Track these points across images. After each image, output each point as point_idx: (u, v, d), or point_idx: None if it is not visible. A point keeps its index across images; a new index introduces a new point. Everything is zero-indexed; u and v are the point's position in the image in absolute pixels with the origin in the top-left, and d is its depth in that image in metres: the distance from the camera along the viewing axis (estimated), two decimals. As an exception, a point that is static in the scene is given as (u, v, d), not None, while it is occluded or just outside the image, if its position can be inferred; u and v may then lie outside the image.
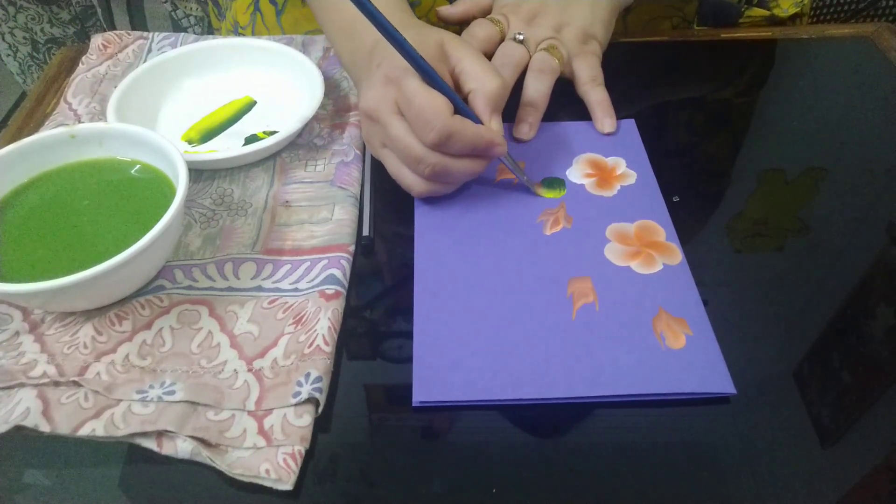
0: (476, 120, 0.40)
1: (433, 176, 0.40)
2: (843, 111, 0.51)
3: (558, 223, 0.42)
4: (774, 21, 0.65)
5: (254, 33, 0.69)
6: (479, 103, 0.40)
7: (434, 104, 0.38)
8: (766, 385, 0.35)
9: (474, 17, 0.53)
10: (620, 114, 0.49)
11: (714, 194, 0.46)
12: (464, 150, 0.39)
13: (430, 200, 0.44)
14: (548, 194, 0.44)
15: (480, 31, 0.50)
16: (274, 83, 0.52)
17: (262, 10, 0.66)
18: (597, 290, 0.38)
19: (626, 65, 0.56)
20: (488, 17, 0.52)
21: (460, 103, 0.40)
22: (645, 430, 0.33)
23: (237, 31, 0.71)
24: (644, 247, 0.40)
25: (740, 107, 0.53)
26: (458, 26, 0.55)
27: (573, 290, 0.38)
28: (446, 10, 0.56)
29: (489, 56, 0.50)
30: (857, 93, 0.53)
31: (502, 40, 0.50)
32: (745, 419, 0.33)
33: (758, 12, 0.65)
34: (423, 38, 0.41)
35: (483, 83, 0.40)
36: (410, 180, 0.42)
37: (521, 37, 0.49)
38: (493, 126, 0.40)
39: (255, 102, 0.51)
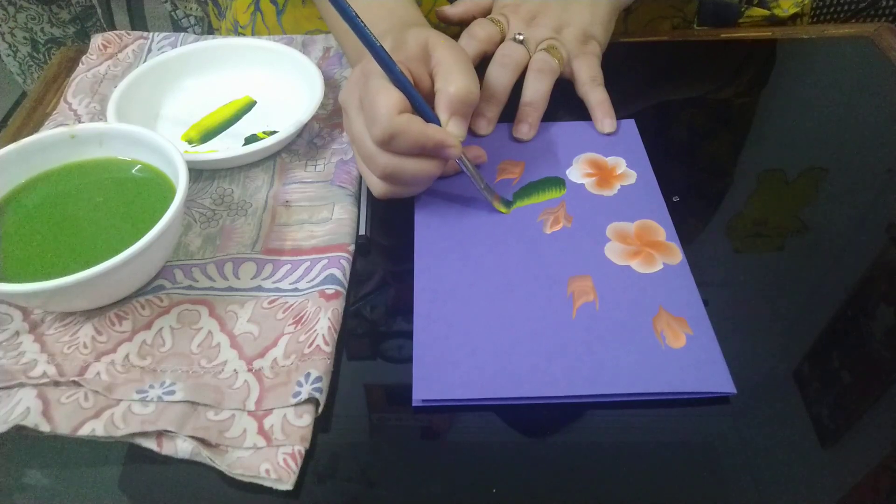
0: (437, 122, 0.39)
1: (385, 176, 0.40)
2: (843, 111, 0.51)
3: (558, 222, 0.42)
4: (774, 21, 0.65)
5: (254, 33, 0.69)
6: (441, 103, 0.39)
7: (386, 102, 0.37)
8: (766, 385, 0.35)
9: (474, 18, 0.53)
10: (620, 114, 0.49)
11: (714, 194, 0.46)
12: (411, 149, 0.38)
13: (430, 199, 0.44)
14: (502, 209, 0.43)
15: (481, 30, 0.50)
16: (274, 83, 0.52)
17: (263, 10, 0.66)
18: (597, 288, 0.38)
19: (626, 65, 0.56)
20: (488, 16, 0.52)
21: (421, 104, 0.39)
22: (645, 430, 0.33)
23: (237, 30, 0.71)
24: (644, 246, 0.40)
25: (740, 107, 0.53)
26: (459, 26, 0.55)
27: (573, 289, 0.38)
28: (446, 10, 0.56)
29: (489, 56, 0.50)
30: (857, 93, 0.53)
31: (503, 40, 0.50)
32: (745, 419, 0.33)
33: (758, 12, 0.65)
34: (410, 36, 0.41)
35: (449, 83, 0.39)
36: (369, 178, 0.41)
37: (521, 37, 0.49)
38: (451, 128, 0.39)
39: (255, 102, 0.51)
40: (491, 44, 0.50)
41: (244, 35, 0.70)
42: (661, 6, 0.65)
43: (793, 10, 0.64)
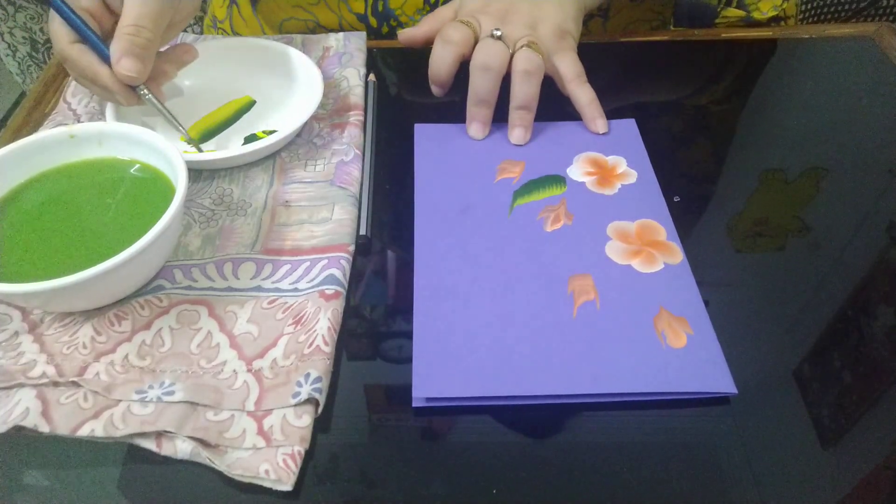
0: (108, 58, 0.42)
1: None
2: (843, 111, 0.51)
3: (559, 220, 0.42)
4: (751, 23, 0.63)
5: (231, 26, 0.68)
6: (114, 42, 0.41)
7: (56, 32, 0.42)
8: (767, 385, 0.35)
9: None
10: (621, 114, 0.49)
11: (714, 194, 0.46)
12: (85, 78, 0.43)
13: (430, 198, 0.44)
14: (194, 145, 0.46)
15: (455, 33, 0.48)
16: (274, 83, 0.52)
17: (238, 2, 0.66)
18: (598, 287, 0.38)
19: (626, 65, 0.56)
20: (459, 19, 0.50)
21: (91, 40, 0.42)
22: (645, 430, 0.33)
23: (216, 25, 0.70)
24: (645, 245, 0.40)
25: (740, 107, 0.53)
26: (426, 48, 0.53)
27: (574, 288, 0.38)
28: (410, 33, 0.54)
29: (467, 58, 0.49)
30: (858, 93, 0.53)
31: (476, 42, 0.49)
32: (745, 419, 0.33)
33: (734, 13, 0.64)
34: None
35: (121, 20, 0.41)
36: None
37: (498, 33, 0.47)
38: (122, 65, 0.41)
39: (254, 102, 0.51)
40: (467, 46, 0.48)
41: (223, 30, 0.69)
42: (639, 9, 0.65)
43: (772, 14, 0.63)
